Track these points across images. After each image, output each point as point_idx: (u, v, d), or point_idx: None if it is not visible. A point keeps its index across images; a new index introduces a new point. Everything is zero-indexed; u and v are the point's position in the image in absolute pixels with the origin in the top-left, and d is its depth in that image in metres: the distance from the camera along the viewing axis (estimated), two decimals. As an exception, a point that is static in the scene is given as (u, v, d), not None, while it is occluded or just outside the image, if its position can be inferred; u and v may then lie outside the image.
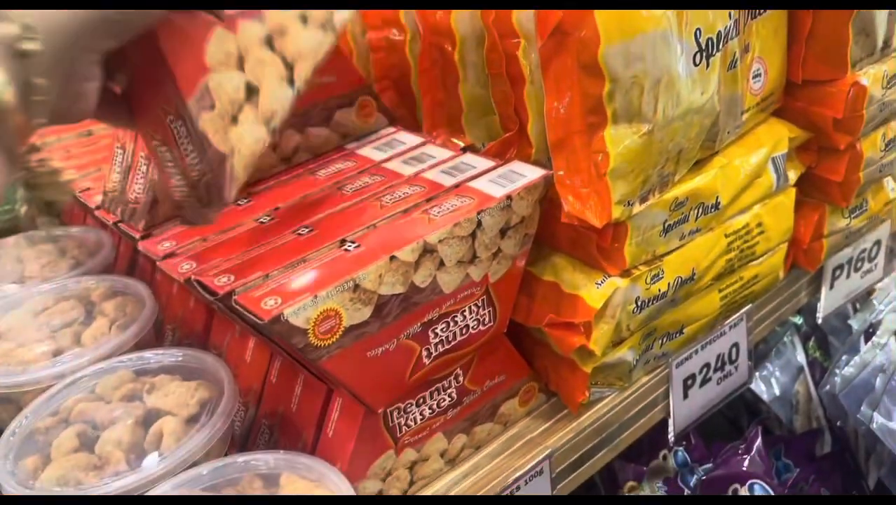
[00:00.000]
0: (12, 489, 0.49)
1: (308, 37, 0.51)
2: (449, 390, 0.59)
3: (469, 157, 0.65)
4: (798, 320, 1.03)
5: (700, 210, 0.67)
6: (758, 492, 0.74)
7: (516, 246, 0.59)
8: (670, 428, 0.76)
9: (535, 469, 0.64)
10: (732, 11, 0.62)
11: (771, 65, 0.71)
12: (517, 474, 0.62)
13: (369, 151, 0.68)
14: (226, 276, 0.51)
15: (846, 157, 0.77)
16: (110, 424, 0.54)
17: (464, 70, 0.67)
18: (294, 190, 0.62)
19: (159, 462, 0.49)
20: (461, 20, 0.65)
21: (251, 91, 0.49)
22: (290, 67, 0.50)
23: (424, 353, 0.55)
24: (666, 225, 0.64)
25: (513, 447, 0.65)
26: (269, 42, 0.50)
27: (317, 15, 0.51)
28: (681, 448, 0.84)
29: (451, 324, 0.56)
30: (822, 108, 0.73)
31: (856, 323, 0.97)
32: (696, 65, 0.59)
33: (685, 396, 0.76)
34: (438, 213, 0.56)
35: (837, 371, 0.87)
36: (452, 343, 0.57)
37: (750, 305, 0.79)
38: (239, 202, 0.62)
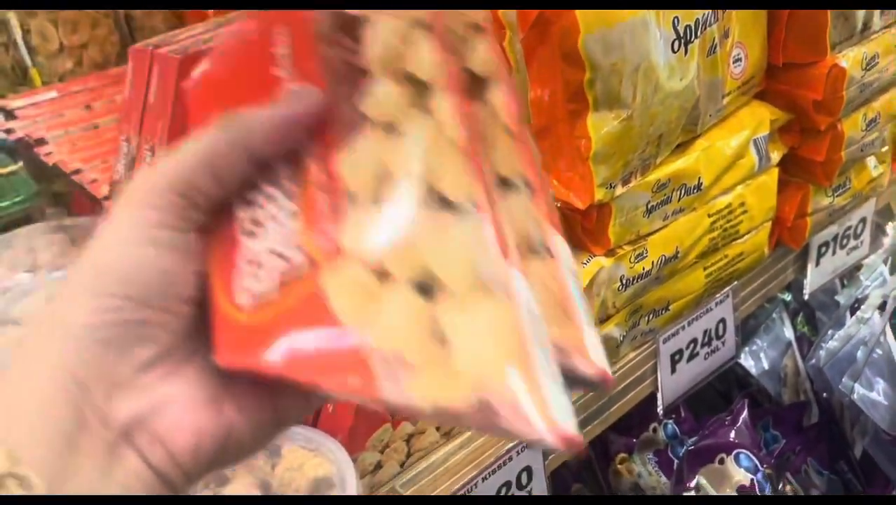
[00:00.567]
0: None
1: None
2: None
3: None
4: (787, 297, 1.05)
5: (683, 191, 0.69)
6: (743, 461, 0.77)
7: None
8: (659, 401, 0.79)
9: (527, 441, 0.67)
10: (711, -1, 0.65)
11: (751, 49, 0.73)
12: (510, 445, 0.65)
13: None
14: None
15: (827, 137, 0.79)
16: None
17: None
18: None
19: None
20: (450, 12, 0.67)
21: None
22: None
23: None
24: (649, 206, 0.67)
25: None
26: None
27: None
28: (670, 421, 0.87)
29: None
30: (802, 91, 0.76)
31: (843, 298, 1.00)
32: (674, 52, 0.62)
33: (673, 370, 0.79)
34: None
35: (823, 345, 0.90)
36: None
37: (736, 282, 0.82)
38: (239, 190, 0.65)
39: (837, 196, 0.86)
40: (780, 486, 0.84)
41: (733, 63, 0.72)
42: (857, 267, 1.07)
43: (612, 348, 0.71)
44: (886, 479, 0.78)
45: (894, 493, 0.75)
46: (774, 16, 0.74)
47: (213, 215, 0.30)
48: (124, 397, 0.28)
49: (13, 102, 0.91)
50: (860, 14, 0.76)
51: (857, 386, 0.80)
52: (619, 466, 0.81)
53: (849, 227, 0.94)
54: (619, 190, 0.63)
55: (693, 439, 0.81)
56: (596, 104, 0.59)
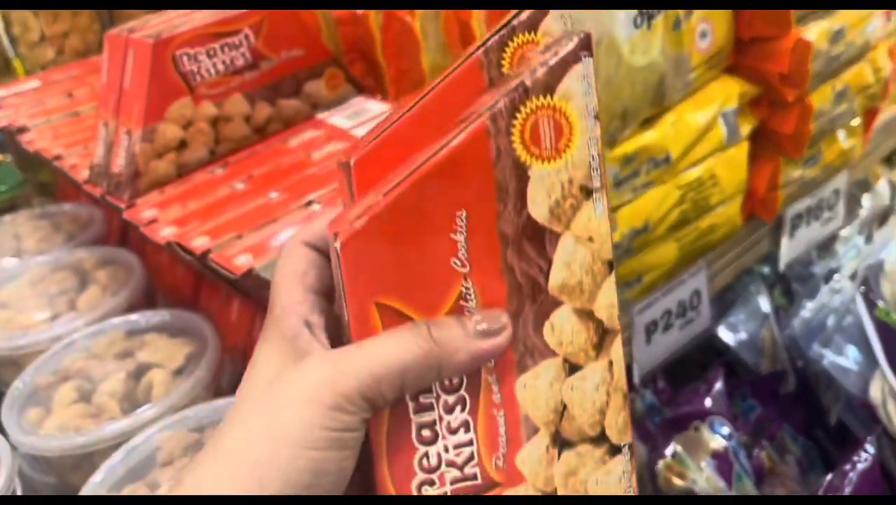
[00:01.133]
0: (19, 437, 0.54)
1: (591, 390, 0.33)
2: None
3: (431, 122, 0.69)
4: (765, 269, 1.07)
5: (651, 164, 0.71)
6: (717, 428, 0.79)
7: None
8: (635, 372, 0.81)
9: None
10: (674, -26, 0.66)
11: (717, 24, 0.74)
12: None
13: (338, 120, 0.72)
14: (202, 238, 0.56)
15: (796, 110, 0.81)
16: (105, 378, 0.59)
17: (425, 39, 0.71)
18: (266, 158, 0.66)
19: (149, 408, 0.54)
20: (419, -8, 0.69)
21: None
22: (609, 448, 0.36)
23: None
24: (617, 179, 0.68)
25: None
26: (560, 443, 0.33)
27: (579, 349, 0.33)
28: (648, 391, 0.89)
29: None
30: (768, 64, 0.77)
31: (818, 269, 1.01)
32: (637, 27, 0.63)
33: (648, 341, 0.81)
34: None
35: (797, 315, 0.91)
36: None
37: (710, 254, 0.83)
38: (215, 171, 0.66)
39: (808, 168, 0.88)
40: (756, 451, 0.86)
41: (699, 38, 0.73)
42: (834, 238, 1.09)
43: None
44: (859, 443, 0.80)
45: (864, 447, 0.77)
46: (740, -10, 0.75)
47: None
48: None
49: (-4, 93, 0.93)
50: (826, -13, 0.77)
51: (827, 352, 0.81)
52: (597, 436, 0.83)
53: (822, 199, 0.96)
54: (586, 163, 0.64)
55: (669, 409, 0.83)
56: (560, 79, 0.60)
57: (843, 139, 0.90)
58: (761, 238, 0.93)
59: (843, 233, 1.07)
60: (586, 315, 0.31)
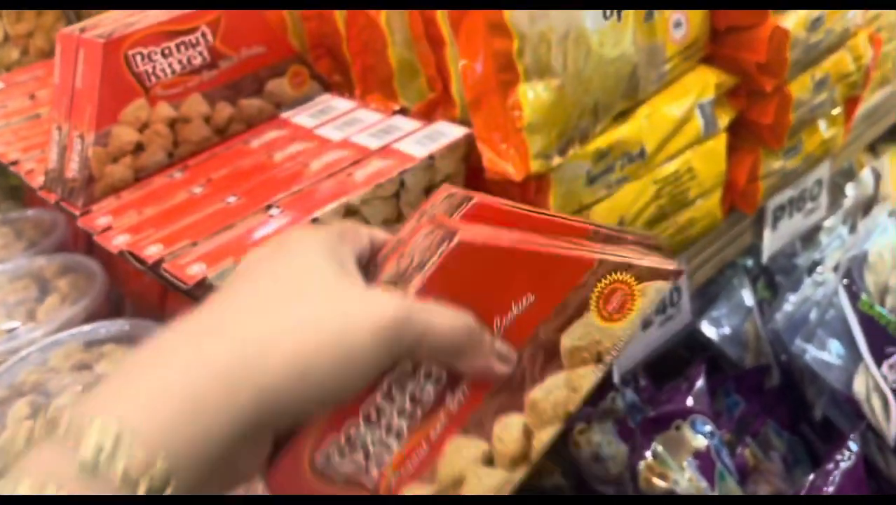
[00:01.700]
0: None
1: (490, 483, 0.38)
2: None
3: (397, 120, 0.67)
4: (748, 262, 1.05)
5: (626, 159, 0.69)
6: (699, 427, 0.78)
7: (441, 203, 0.61)
8: (615, 371, 0.79)
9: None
10: (644, -37, 0.64)
11: (692, 13, 0.72)
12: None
13: (303, 119, 0.70)
14: (156, 245, 0.53)
15: (774, 99, 0.79)
16: (61, 393, 0.57)
17: (391, 34, 0.69)
18: (226, 161, 0.64)
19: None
20: (383, -15, 0.66)
21: None
22: None
23: None
24: (590, 175, 0.66)
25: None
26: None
27: (509, 450, 0.38)
28: (629, 389, 0.88)
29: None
30: (745, 54, 0.75)
31: (802, 261, 1.00)
32: (606, 18, 0.61)
33: (627, 339, 0.79)
34: (362, 175, 0.58)
35: (780, 308, 0.90)
36: None
37: (689, 250, 0.81)
38: (174, 175, 0.64)
39: (789, 159, 0.86)
40: (740, 449, 0.84)
41: (674, 28, 0.71)
42: (818, 229, 1.07)
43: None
44: (843, 441, 0.78)
45: (847, 445, 0.75)
46: (716, -22, 0.73)
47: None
48: None
49: (-43, 96, 0.90)
50: (803, -27, 0.75)
51: (809, 347, 0.80)
52: (578, 437, 0.81)
53: (804, 190, 0.94)
54: (557, 160, 0.62)
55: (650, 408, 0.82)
56: (527, 74, 0.58)
57: (824, 129, 0.89)
58: (743, 231, 0.91)
59: (827, 223, 1.06)
60: (527, 436, 0.37)
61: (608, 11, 0.61)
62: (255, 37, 0.66)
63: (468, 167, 0.63)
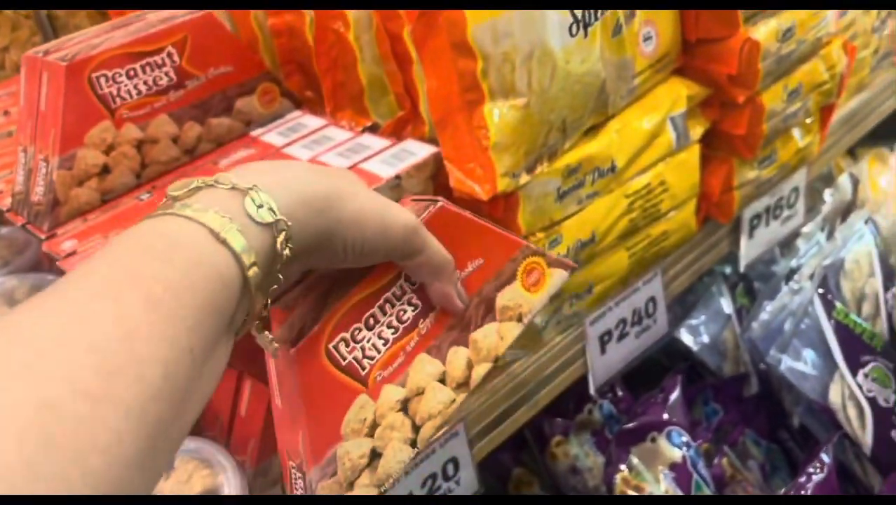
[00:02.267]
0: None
1: (441, 398, 0.47)
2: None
3: (366, 138, 0.66)
4: (726, 270, 1.06)
5: (596, 174, 0.69)
6: (675, 439, 0.78)
7: (410, 223, 0.61)
8: (591, 382, 0.79)
9: (451, 431, 0.67)
10: (611, -22, 0.64)
11: (662, 26, 0.72)
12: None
13: (272, 137, 0.69)
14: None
15: (747, 110, 0.79)
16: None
17: (360, 50, 0.69)
18: (193, 182, 0.63)
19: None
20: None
21: (374, 455, 0.46)
22: (416, 430, 0.47)
23: None
24: (560, 192, 0.66)
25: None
26: (405, 405, 0.47)
27: (456, 374, 0.48)
28: (606, 401, 0.88)
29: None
30: (717, 66, 0.75)
31: (780, 268, 1.00)
32: (572, 35, 0.61)
33: (602, 351, 0.79)
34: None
35: (757, 316, 0.90)
36: None
37: (665, 261, 0.81)
38: (141, 197, 0.63)
39: (764, 168, 0.86)
40: (717, 458, 0.84)
41: (643, 42, 0.71)
42: (796, 235, 1.08)
43: (535, 334, 0.71)
44: (815, 453, 0.79)
45: (819, 457, 0.76)
46: (685, -9, 0.73)
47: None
48: None
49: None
50: (774, -15, 0.75)
51: (784, 357, 0.80)
52: (554, 450, 0.81)
53: (781, 198, 0.94)
54: (524, 178, 0.62)
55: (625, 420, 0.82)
56: (492, 93, 0.58)
57: (799, 137, 0.89)
58: (720, 240, 0.92)
59: (806, 229, 1.06)
60: (469, 367, 0.48)
61: (574, 27, 0.60)
62: (222, 55, 0.66)
63: (436, 185, 0.63)
